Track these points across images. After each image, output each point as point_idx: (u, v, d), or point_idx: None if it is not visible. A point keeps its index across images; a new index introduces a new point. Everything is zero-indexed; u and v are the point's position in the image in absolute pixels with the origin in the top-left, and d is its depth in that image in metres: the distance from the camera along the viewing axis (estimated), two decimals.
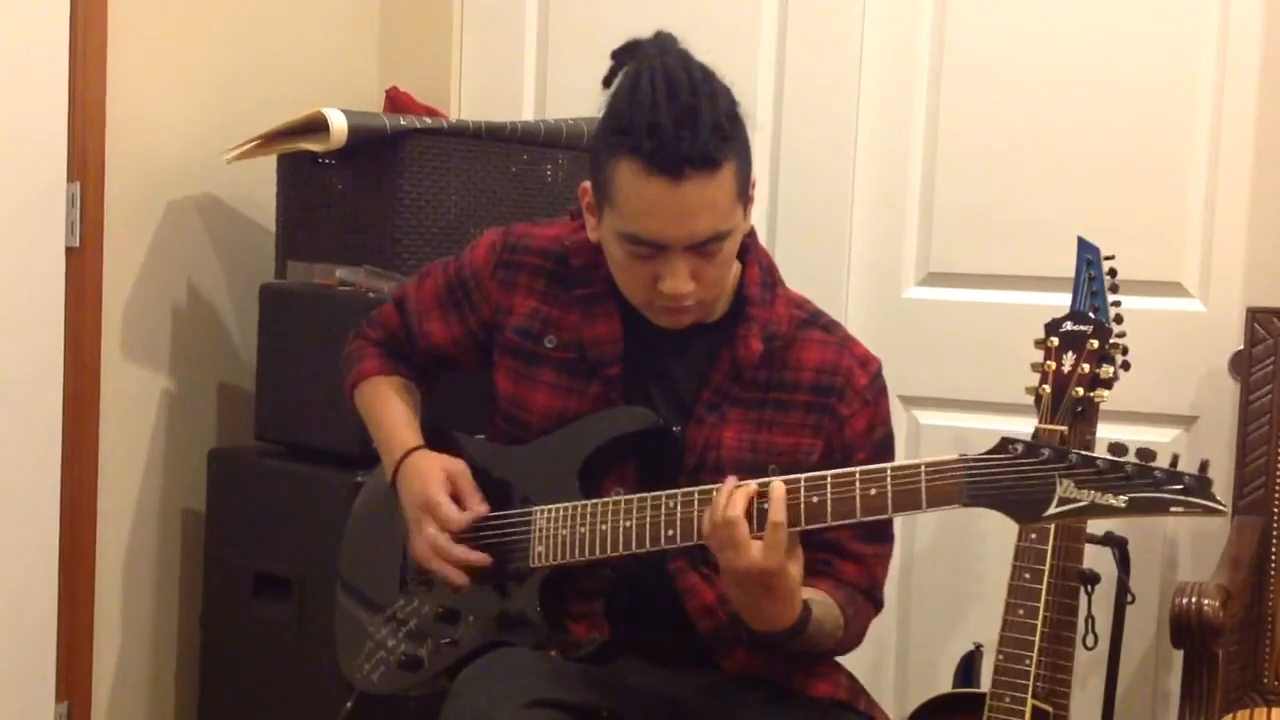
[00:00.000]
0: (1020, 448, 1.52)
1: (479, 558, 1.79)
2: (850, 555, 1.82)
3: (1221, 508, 1.45)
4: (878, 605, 1.88)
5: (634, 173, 1.63)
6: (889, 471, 1.58)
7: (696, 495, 1.68)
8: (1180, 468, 1.46)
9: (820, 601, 1.73)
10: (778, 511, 1.59)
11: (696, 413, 1.80)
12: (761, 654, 1.79)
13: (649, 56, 1.67)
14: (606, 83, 1.73)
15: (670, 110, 1.61)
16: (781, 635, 1.67)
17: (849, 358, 1.84)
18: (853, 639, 1.83)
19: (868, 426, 1.83)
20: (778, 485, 1.60)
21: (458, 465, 1.85)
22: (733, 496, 1.61)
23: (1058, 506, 1.49)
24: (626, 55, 1.72)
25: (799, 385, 1.81)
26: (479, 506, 1.81)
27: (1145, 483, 1.46)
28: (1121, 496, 1.46)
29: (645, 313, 1.77)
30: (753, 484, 1.62)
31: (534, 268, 1.88)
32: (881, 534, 1.86)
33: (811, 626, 1.69)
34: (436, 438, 1.95)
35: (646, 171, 1.62)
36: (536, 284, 1.88)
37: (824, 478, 1.61)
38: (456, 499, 1.82)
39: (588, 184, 1.76)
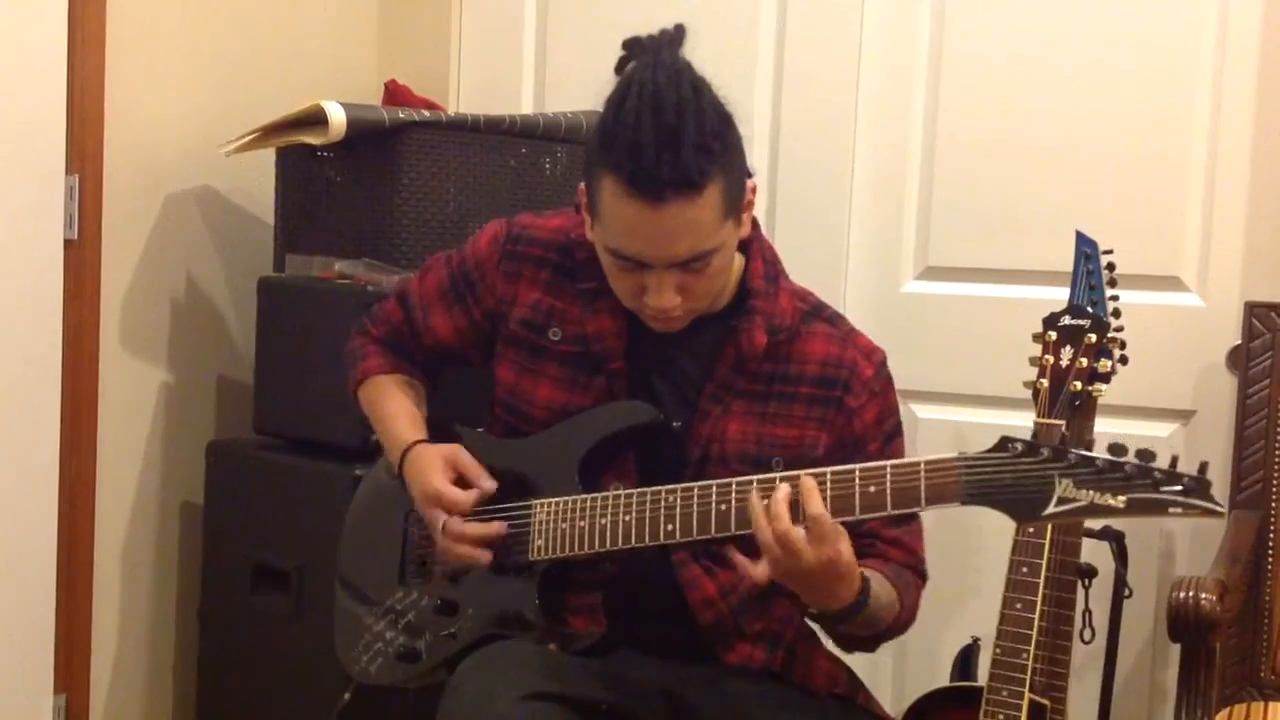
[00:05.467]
0: (1019, 446, 1.52)
1: (493, 529, 1.79)
2: (887, 539, 1.83)
3: (1220, 509, 1.45)
4: (924, 578, 1.89)
5: (615, 192, 1.62)
6: (888, 469, 1.58)
7: (696, 490, 1.68)
8: (1180, 468, 1.46)
9: (874, 576, 1.73)
10: (815, 504, 1.58)
11: (701, 405, 1.81)
12: (837, 639, 1.79)
13: (643, 65, 1.65)
14: (618, 70, 1.70)
15: (653, 131, 1.58)
16: (850, 609, 1.67)
17: (853, 350, 1.85)
18: (909, 613, 1.83)
19: (877, 418, 1.84)
20: (806, 480, 1.59)
21: (452, 447, 1.85)
22: (774, 510, 1.59)
23: (1056, 506, 1.49)
24: (633, 49, 1.70)
25: (803, 378, 1.82)
26: (486, 483, 1.81)
27: (1144, 483, 1.46)
28: (1120, 497, 1.46)
29: (640, 316, 1.77)
30: (785, 488, 1.61)
31: (538, 259, 1.88)
32: (909, 515, 1.86)
33: (872, 600, 1.69)
34: (437, 432, 1.95)
35: (627, 193, 1.61)
36: (541, 275, 1.87)
37: (824, 474, 1.61)
38: (462, 481, 1.82)
39: (584, 186, 1.76)
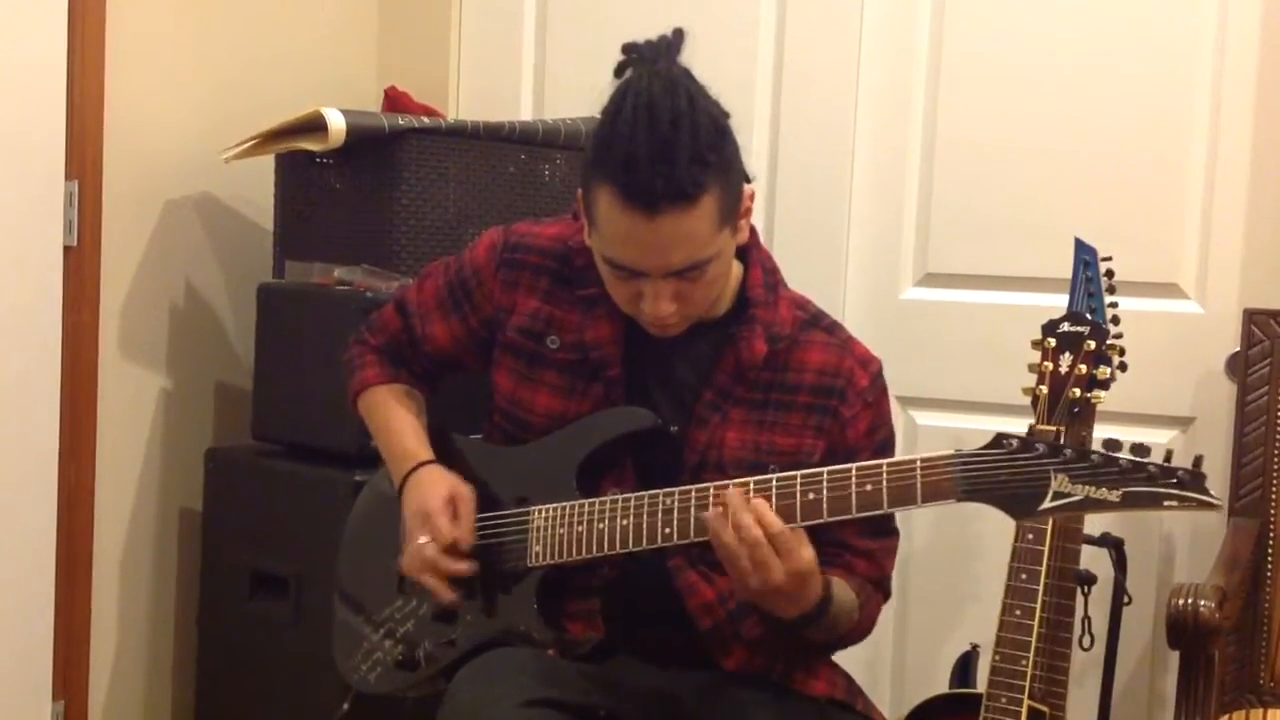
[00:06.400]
0: (1015, 443, 1.53)
1: (463, 566, 1.79)
2: (858, 551, 1.83)
3: (1216, 501, 1.45)
4: (886, 595, 1.90)
5: (611, 203, 1.63)
6: (884, 467, 1.59)
7: (694, 494, 1.68)
8: (1174, 463, 1.46)
9: (836, 582, 1.74)
10: (773, 522, 1.59)
11: (699, 413, 1.80)
12: (794, 642, 1.79)
13: (638, 75, 1.65)
14: (617, 74, 1.70)
15: (648, 143, 1.59)
16: (812, 614, 1.68)
17: (850, 359, 1.85)
18: (865, 626, 1.84)
19: (869, 428, 1.84)
20: (758, 503, 1.61)
21: (464, 490, 1.84)
22: (738, 521, 1.60)
23: (1052, 501, 1.50)
24: (632, 54, 1.70)
25: (801, 386, 1.82)
26: (469, 537, 1.81)
27: (1139, 477, 1.46)
28: (1116, 491, 1.47)
29: (638, 321, 1.78)
30: (736, 494, 1.62)
31: (536, 267, 1.88)
32: (886, 528, 1.87)
33: (834, 605, 1.70)
34: (434, 438, 1.95)
35: (622, 204, 1.61)
36: (539, 283, 1.87)
37: (820, 474, 1.61)
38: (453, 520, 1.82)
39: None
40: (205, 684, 2.78)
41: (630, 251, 1.66)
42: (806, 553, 1.62)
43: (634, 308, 1.73)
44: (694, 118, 1.61)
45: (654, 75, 1.64)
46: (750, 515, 1.60)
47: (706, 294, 1.73)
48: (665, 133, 1.59)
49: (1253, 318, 2.40)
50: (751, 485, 1.64)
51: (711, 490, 1.67)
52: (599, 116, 1.67)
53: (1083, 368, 2.01)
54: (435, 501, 1.81)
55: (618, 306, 1.80)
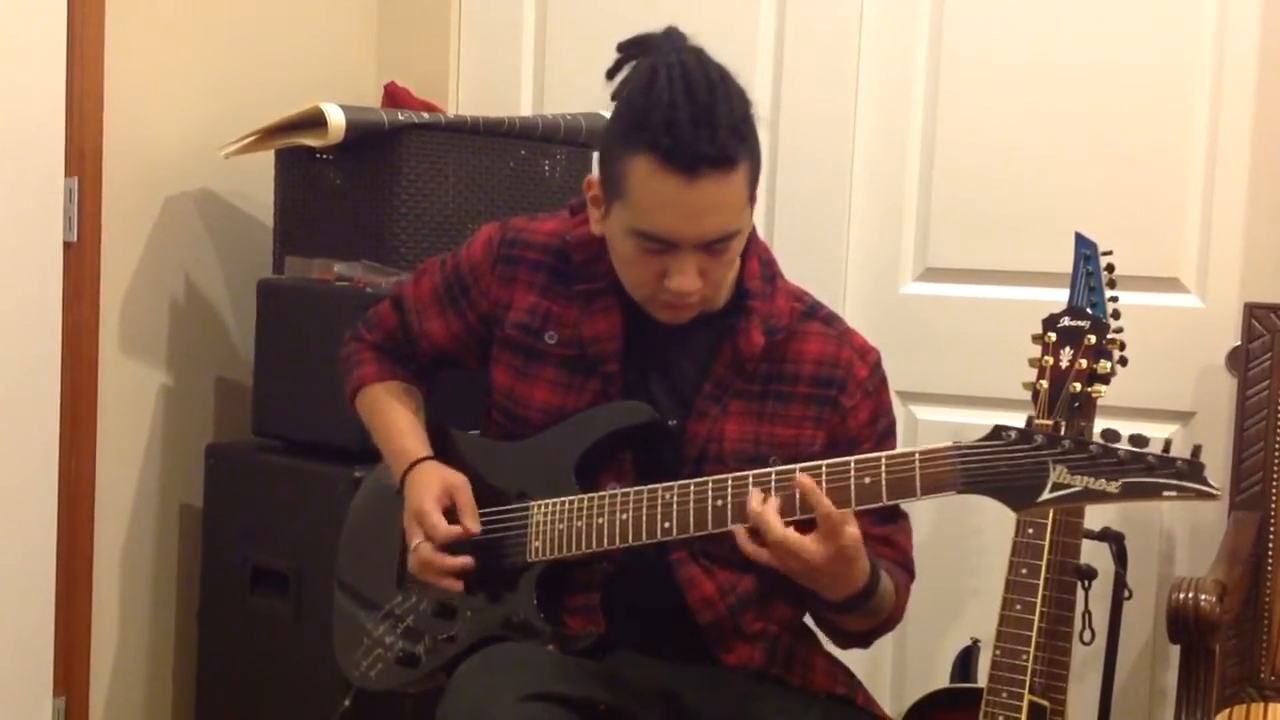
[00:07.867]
0: (1014, 434, 1.53)
1: (460, 562, 1.79)
2: (877, 539, 1.83)
3: (1214, 490, 1.46)
4: (912, 575, 1.90)
5: (649, 169, 1.62)
6: (883, 460, 1.59)
7: (693, 488, 1.68)
8: (1173, 454, 1.47)
9: (881, 563, 1.74)
10: (821, 503, 1.59)
11: (698, 405, 1.80)
12: (849, 624, 1.80)
13: (664, 52, 1.66)
14: (610, 75, 1.72)
15: (689, 108, 1.60)
16: (863, 593, 1.68)
17: (849, 349, 1.85)
18: (900, 610, 1.84)
19: (871, 417, 1.85)
20: (804, 480, 1.61)
21: (458, 479, 1.85)
22: (764, 518, 1.60)
23: (1051, 492, 1.50)
24: (635, 49, 1.71)
25: (799, 377, 1.82)
26: (471, 524, 1.81)
27: (1138, 468, 1.47)
28: (1114, 482, 1.47)
29: (647, 308, 1.77)
30: (767, 500, 1.62)
31: (533, 262, 1.88)
32: (896, 511, 1.86)
33: (882, 585, 1.71)
34: (433, 434, 1.95)
35: (662, 168, 1.61)
36: (536, 279, 1.87)
37: (819, 467, 1.62)
38: (452, 513, 1.82)
39: (594, 177, 1.76)
40: (206, 679, 2.78)
41: (667, 218, 1.65)
42: (850, 531, 1.61)
43: (654, 287, 1.72)
44: (727, 88, 1.64)
45: (682, 50, 1.66)
46: (776, 517, 1.60)
47: (725, 275, 1.74)
48: (704, 99, 1.61)
49: (1253, 312, 2.39)
50: (751, 479, 1.64)
51: (710, 484, 1.67)
52: (624, 95, 1.68)
53: (1083, 362, 2.01)
54: (428, 500, 1.82)
55: (616, 301, 1.80)
